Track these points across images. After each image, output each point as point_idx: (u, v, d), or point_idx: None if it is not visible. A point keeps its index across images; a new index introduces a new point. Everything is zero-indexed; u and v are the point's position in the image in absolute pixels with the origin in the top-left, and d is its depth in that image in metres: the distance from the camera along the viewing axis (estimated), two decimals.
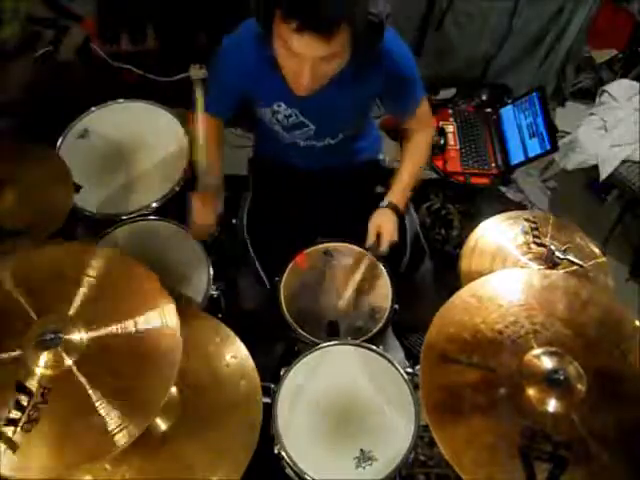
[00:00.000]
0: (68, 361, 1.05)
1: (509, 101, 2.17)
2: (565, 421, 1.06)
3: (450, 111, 2.18)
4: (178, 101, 1.58)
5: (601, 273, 1.49)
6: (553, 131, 1.92)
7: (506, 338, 1.16)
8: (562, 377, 1.09)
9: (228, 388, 1.28)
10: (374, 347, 1.43)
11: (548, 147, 1.90)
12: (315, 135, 1.57)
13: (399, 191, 1.59)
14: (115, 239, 1.63)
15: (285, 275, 1.58)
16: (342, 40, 1.18)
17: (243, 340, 1.35)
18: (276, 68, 1.30)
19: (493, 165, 2.04)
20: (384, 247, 1.53)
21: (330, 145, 1.61)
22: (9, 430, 0.97)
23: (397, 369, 1.39)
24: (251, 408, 1.25)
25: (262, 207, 1.72)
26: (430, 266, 1.83)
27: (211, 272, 1.58)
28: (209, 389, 1.27)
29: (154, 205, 1.69)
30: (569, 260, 1.47)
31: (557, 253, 1.46)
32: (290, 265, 1.60)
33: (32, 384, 1.02)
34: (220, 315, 1.63)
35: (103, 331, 1.09)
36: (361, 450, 1.28)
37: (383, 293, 1.57)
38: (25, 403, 0.99)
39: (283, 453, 1.27)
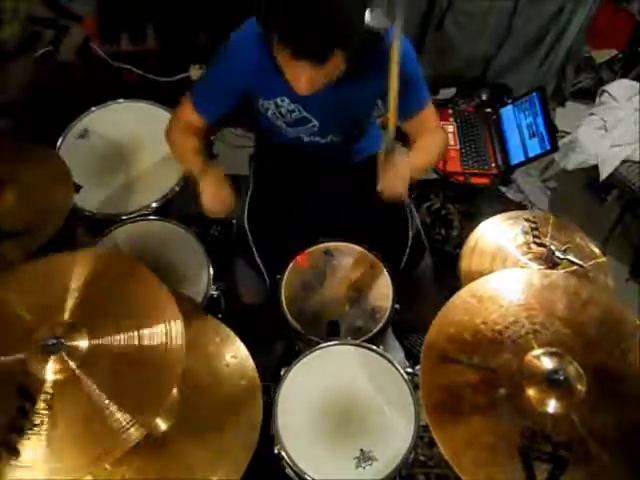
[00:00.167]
0: (72, 365, 1.05)
1: (509, 101, 2.17)
2: (565, 421, 1.06)
3: (450, 111, 2.18)
4: (178, 101, 1.58)
5: (601, 273, 1.49)
6: (553, 131, 1.92)
7: (506, 338, 1.16)
8: (562, 377, 1.09)
9: (228, 388, 1.28)
10: (374, 347, 1.43)
11: (548, 147, 1.90)
12: (319, 131, 1.57)
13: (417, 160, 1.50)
14: (115, 239, 1.63)
15: (286, 274, 1.58)
16: (337, 60, 1.22)
17: (243, 340, 1.35)
18: (279, 64, 1.31)
19: (493, 165, 2.04)
20: (395, 197, 1.43)
21: (333, 142, 1.61)
22: (13, 437, 0.97)
23: (397, 369, 1.39)
24: (251, 408, 1.25)
25: (263, 205, 1.72)
26: (430, 262, 1.83)
27: (211, 272, 1.58)
28: (209, 389, 1.27)
29: (154, 205, 1.69)
30: (569, 260, 1.47)
31: (557, 253, 1.46)
32: (291, 264, 1.60)
33: (36, 390, 1.02)
34: (220, 315, 1.63)
35: (106, 338, 1.09)
36: (361, 450, 1.28)
37: (384, 293, 1.57)
38: (29, 409, 0.99)
39: (283, 453, 1.27)
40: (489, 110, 2.19)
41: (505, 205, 2.42)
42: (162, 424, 1.21)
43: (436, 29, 2.44)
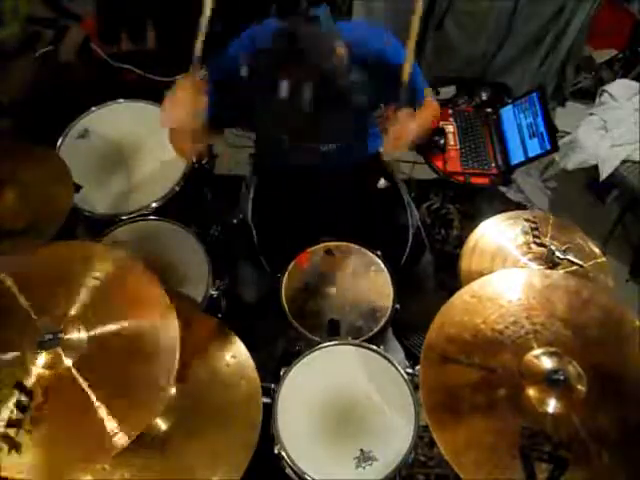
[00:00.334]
0: (67, 362, 1.05)
1: (509, 101, 2.16)
2: (565, 421, 1.06)
3: (450, 111, 2.17)
4: None
5: (601, 273, 1.49)
6: (553, 131, 1.91)
7: (506, 338, 1.16)
8: (562, 377, 1.09)
9: (228, 388, 1.28)
10: (374, 347, 1.43)
11: (548, 147, 1.89)
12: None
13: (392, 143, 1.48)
14: (115, 239, 1.63)
15: (287, 274, 1.58)
16: None
17: (243, 340, 1.35)
18: None
19: (493, 165, 2.04)
20: (400, 148, 1.41)
21: (333, 149, 1.61)
22: (12, 431, 0.97)
23: (397, 369, 1.39)
24: (251, 408, 1.25)
25: (265, 203, 1.72)
26: (431, 259, 1.83)
27: (211, 272, 1.58)
28: (209, 389, 1.27)
29: (154, 205, 1.69)
30: (569, 260, 1.47)
31: (557, 253, 1.46)
32: (291, 264, 1.60)
33: (32, 385, 1.02)
34: (220, 315, 1.63)
35: (103, 333, 1.09)
36: (361, 450, 1.28)
37: (384, 293, 1.57)
38: (26, 404, 0.99)
39: (283, 453, 1.27)
40: (489, 110, 2.19)
41: (505, 205, 2.42)
42: (162, 424, 1.21)
43: (436, 29, 2.44)
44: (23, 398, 1.00)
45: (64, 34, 2.48)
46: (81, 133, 1.83)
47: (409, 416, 1.32)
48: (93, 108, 1.88)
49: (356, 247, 1.64)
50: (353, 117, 1.53)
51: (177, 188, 1.71)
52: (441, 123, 2.13)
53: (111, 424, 0.99)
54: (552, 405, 1.08)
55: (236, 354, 1.33)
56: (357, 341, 1.45)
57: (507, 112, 2.12)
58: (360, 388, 1.37)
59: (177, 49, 2.57)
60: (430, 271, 1.85)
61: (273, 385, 1.36)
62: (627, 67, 2.76)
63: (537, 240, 1.51)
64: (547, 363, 1.12)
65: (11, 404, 0.99)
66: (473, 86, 2.54)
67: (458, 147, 2.07)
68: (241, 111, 1.52)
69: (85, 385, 1.02)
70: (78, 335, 1.08)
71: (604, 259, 1.52)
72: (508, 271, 1.41)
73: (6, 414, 0.98)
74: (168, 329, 1.09)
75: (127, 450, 0.98)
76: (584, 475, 1.02)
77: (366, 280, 1.59)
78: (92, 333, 1.09)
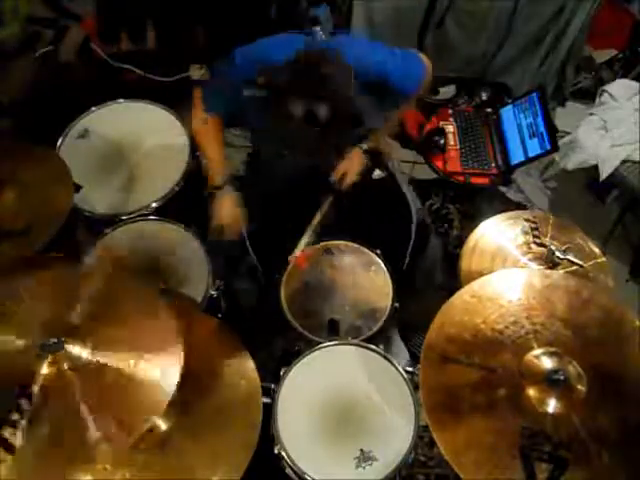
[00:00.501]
0: (66, 369, 1.05)
1: (509, 101, 2.16)
2: (565, 421, 1.06)
3: (450, 111, 2.17)
4: (178, 101, 1.58)
5: (601, 273, 1.49)
6: (553, 131, 1.91)
7: (506, 338, 1.16)
8: (562, 377, 1.09)
9: (228, 388, 1.28)
10: (374, 347, 1.43)
11: (548, 147, 1.89)
12: None
13: (381, 135, 1.68)
14: (115, 239, 1.63)
15: (286, 273, 1.58)
16: None
17: (243, 340, 1.35)
18: None
19: (493, 165, 2.04)
20: (344, 186, 1.65)
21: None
22: (8, 432, 0.97)
23: (397, 369, 1.39)
24: (251, 408, 1.25)
25: (261, 206, 1.72)
26: (438, 243, 1.84)
27: (211, 272, 1.58)
28: (209, 389, 1.27)
29: (154, 205, 1.69)
30: (569, 260, 1.47)
31: (557, 253, 1.46)
32: (291, 264, 1.60)
33: (33, 388, 1.02)
34: (220, 315, 1.63)
35: (105, 353, 1.08)
36: (361, 450, 1.28)
37: (384, 292, 1.57)
38: (25, 406, 0.99)
39: (283, 453, 1.28)
40: (489, 110, 2.19)
41: (505, 205, 2.42)
42: (162, 424, 1.21)
43: (436, 28, 2.44)
44: (22, 400, 1.00)
45: (64, 34, 2.48)
46: (81, 133, 1.83)
47: (409, 416, 1.32)
48: (93, 108, 1.88)
49: (355, 246, 1.64)
50: (354, 132, 1.55)
51: (177, 188, 1.71)
52: (441, 123, 2.13)
53: (94, 437, 0.99)
54: (552, 405, 1.08)
55: (236, 354, 1.33)
56: (357, 341, 1.45)
57: (507, 112, 2.12)
58: (360, 388, 1.38)
59: (177, 49, 2.59)
60: (439, 247, 1.85)
61: (273, 385, 1.36)
62: (627, 67, 2.75)
63: (537, 240, 1.51)
64: (547, 363, 1.12)
65: (12, 405, 0.99)
66: (473, 86, 2.54)
67: (458, 147, 2.07)
68: (238, 114, 1.53)
69: (78, 395, 1.02)
70: (82, 346, 1.08)
71: (604, 259, 1.52)
72: (508, 271, 1.41)
73: (5, 414, 0.98)
74: (167, 382, 1.07)
75: (128, 450, 0.98)
76: (584, 475, 1.02)
77: (366, 280, 1.60)
78: (95, 348, 1.09)
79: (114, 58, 2.56)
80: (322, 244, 1.64)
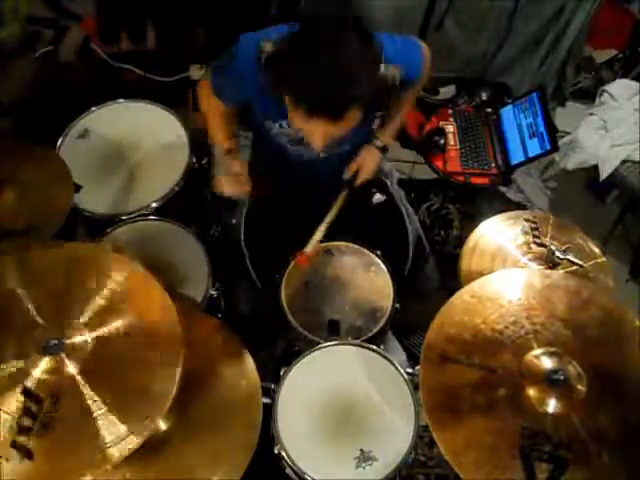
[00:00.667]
0: (70, 368, 1.05)
1: (509, 101, 2.16)
2: (565, 421, 1.06)
3: (450, 111, 2.17)
4: (178, 101, 1.57)
5: (601, 273, 1.49)
6: (553, 131, 1.91)
7: (506, 338, 1.16)
8: (562, 377, 1.09)
9: (228, 388, 1.28)
10: (374, 347, 1.43)
11: (548, 147, 1.89)
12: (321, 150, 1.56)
13: (392, 131, 1.64)
14: (115, 239, 1.63)
15: (286, 274, 1.58)
16: (353, 115, 1.18)
17: (243, 340, 1.35)
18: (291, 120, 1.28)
19: (493, 165, 2.04)
20: (358, 182, 1.61)
21: (334, 155, 1.61)
22: (23, 438, 0.97)
23: (397, 369, 1.39)
24: (251, 408, 1.25)
25: (261, 208, 1.72)
26: (433, 265, 1.83)
27: (211, 272, 1.58)
28: (209, 389, 1.27)
29: (154, 205, 1.69)
30: (569, 260, 1.46)
31: (557, 253, 1.46)
32: (291, 264, 1.60)
33: (40, 390, 1.02)
34: (220, 315, 1.63)
35: (106, 338, 1.08)
36: (361, 450, 1.28)
37: (384, 292, 1.57)
38: (35, 410, 0.99)
39: (283, 453, 1.27)
40: (489, 110, 2.18)
41: (505, 205, 2.42)
42: (162, 424, 1.21)
43: (436, 28, 2.44)
44: (32, 404, 0.99)
45: (64, 34, 2.48)
46: (81, 133, 1.83)
47: (409, 416, 1.32)
48: (93, 108, 1.88)
49: (356, 247, 1.64)
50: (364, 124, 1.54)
51: (177, 188, 1.71)
52: (441, 123, 2.13)
53: (108, 435, 0.99)
54: (552, 405, 1.08)
55: (236, 354, 1.33)
56: (357, 341, 1.45)
57: (507, 112, 2.12)
58: (360, 388, 1.37)
59: (177, 49, 2.59)
60: (434, 277, 1.85)
61: (273, 385, 1.36)
62: (627, 67, 2.76)
63: (537, 240, 1.51)
64: (547, 363, 1.12)
65: (20, 410, 0.99)
66: (473, 86, 2.54)
67: (458, 147, 2.07)
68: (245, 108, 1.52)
69: (87, 394, 1.02)
70: (82, 341, 1.08)
71: (604, 259, 1.52)
72: (508, 271, 1.41)
73: (15, 421, 0.98)
74: (171, 366, 1.07)
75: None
76: (584, 475, 1.02)
77: (366, 280, 1.60)
78: (96, 338, 1.09)
79: (114, 58, 2.56)
80: (322, 245, 1.64)
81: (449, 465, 1.03)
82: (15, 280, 1.13)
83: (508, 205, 2.44)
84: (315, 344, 1.43)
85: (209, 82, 1.48)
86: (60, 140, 1.80)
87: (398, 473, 1.27)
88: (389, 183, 1.76)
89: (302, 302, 1.55)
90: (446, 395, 1.12)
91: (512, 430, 1.05)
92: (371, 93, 1.17)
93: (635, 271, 2.35)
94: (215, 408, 1.25)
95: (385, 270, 1.60)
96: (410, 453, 1.28)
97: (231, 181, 1.50)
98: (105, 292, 1.13)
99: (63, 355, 1.05)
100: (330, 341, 1.44)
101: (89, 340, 1.08)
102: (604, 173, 2.26)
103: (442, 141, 2.04)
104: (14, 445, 0.95)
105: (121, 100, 1.91)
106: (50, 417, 0.99)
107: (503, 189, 2.50)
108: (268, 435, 1.30)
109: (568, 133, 2.42)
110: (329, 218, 1.58)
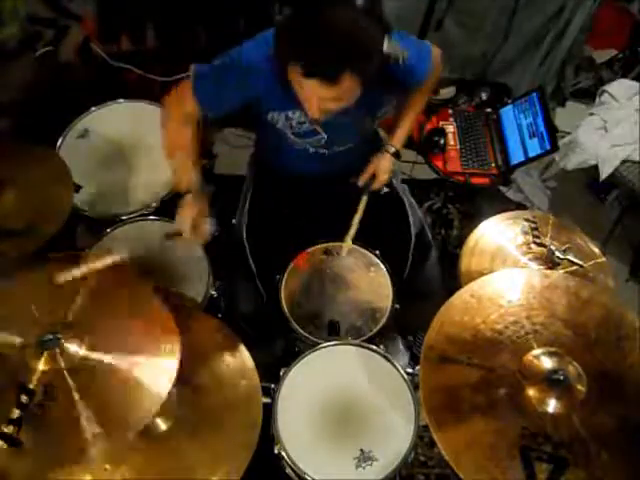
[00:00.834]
0: (62, 365, 1.05)
1: (509, 101, 2.16)
2: (565, 421, 1.06)
3: (450, 111, 2.17)
4: None
5: (601, 273, 1.49)
6: (553, 131, 1.91)
7: (506, 338, 1.16)
8: (562, 377, 1.09)
9: (228, 388, 1.28)
10: (374, 347, 1.43)
11: (548, 147, 1.89)
12: (326, 143, 1.56)
13: (403, 136, 1.68)
14: (115, 239, 1.63)
15: (286, 274, 1.58)
16: (349, 85, 1.21)
17: (243, 340, 1.35)
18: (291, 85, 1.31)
19: (493, 165, 2.03)
20: (375, 187, 1.67)
21: (337, 152, 1.61)
22: (12, 429, 0.97)
23: (397, 369, 1.39)
24: (251, 408, 1.25)
25: (262, 207, 1.72)
26: (436, 260, 1.84)
27: (211, 272, 1.58)
28: (209, 389, 1.27)
29: (154, 205, 1.69)
30: (569, 260, 1.47)
31: (557, 253, 1.46)
32: (291, 265, 1.60)
33: (33, 384, 1.02)
34: (220, 315, 1.63)
35: (101, 350, 1.09)
36: (361, 450, 1.28)
37: (384, 293, 1.57)
38: (26, 402, 0.99)
39: (283, 453, 1.27)
40: (489, 110, 2.18)
41: (505, 205, 2.42)
42: (162, 424, 1.21)
43: (436, 29, 2.44)
44: (24, 397, 1.00)
45: (64, 34, 2.48)
46: (81, 133, 1.83)
47: (409, 416, 1.32)
48: (93, 108, 1.88)
49: (355, 247, 1.64)
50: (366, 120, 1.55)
51: None
52: (441, 123, 2.13)
53: (89, 434, 0.99)
54: (552, 405, 1.08)
55: (236, 354, 1.33)
56: (357, 341, 1.45)
57: (507, 112, 2.12)
58: (360, 388, 1.37)
59: (177, 49, 2.59)
60: (437, 270, 1.85)
61: (273, 385, 1.36)
62: (627, 67, 2.76)
63: (537, 240, 1.51)
64: (547, 363, 1.12)
65: (12, 402, 0.99)
66: (473, 86, 2.54)
67: (458, 147, 2.07)
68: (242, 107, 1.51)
69: (74, 392, 1.03)
70: (77, 346, 1.08)
71: (604, 259, 1.52)
72: (508, 271, 1.41)
73: (7, 413, 0.98)
74: (164, 376, 1.07)
75: (128, 450, 0.98)
76: (584, 475, 1.02)
77: (366, 280, 1.59)
78: (91, 344, 1.09)
79: (114, 58, 2.56)
80: (322, 245, 1.64)
81: (449, 465, 1.03)
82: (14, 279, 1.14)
83: (508, 205, 2.44)
84: (315, 344, 1.43)
85: (190, 92, 1.45)
86: (60, 140, 1.80)
87: (398, 473, 1.27)
88: (393, 181, 1.77)
89: (302, 303, 1.55)
90: (446, 395, 1.12)
91: (512, 430, 1.05)
92: (371, 65, 1.21)
93: (635, 271, 2.35)
94: (215, 408, 1.25)
95: (385, 270, 1.60)
96: (410, 453, 1.28)
97: (190, 225, 1.43)
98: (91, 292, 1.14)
99: (58, 351, 1.05)
100: (330, 341, 1.44)
101: (83, 346, 1.09)
102: (604, 173, 2.26)
103: (442, 141, 2.04)
104: (2, 436, 0.96)
105: (121, 100, 1.91)
106: (39, 410, 1.00)
107: (503, 189, 2.50)
108: (268, 435, 1.29)
109: (568, 133, 2.41)
110: (352, 231, 1.62)
